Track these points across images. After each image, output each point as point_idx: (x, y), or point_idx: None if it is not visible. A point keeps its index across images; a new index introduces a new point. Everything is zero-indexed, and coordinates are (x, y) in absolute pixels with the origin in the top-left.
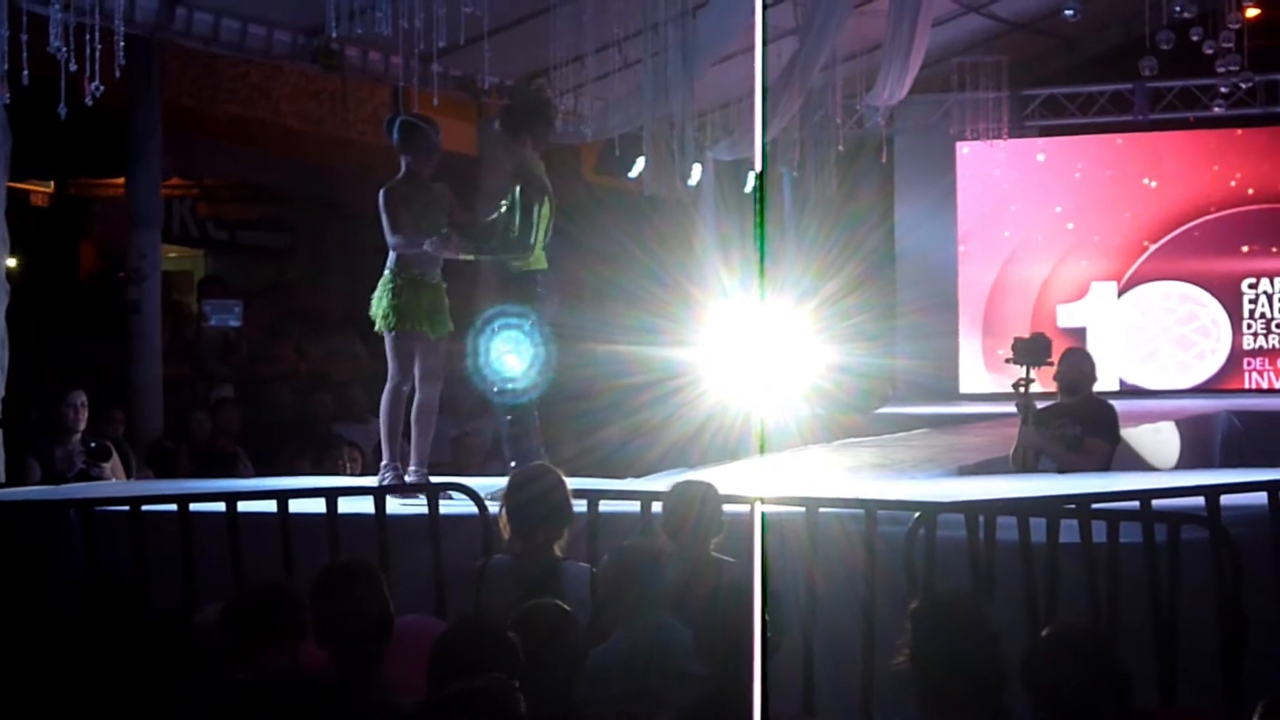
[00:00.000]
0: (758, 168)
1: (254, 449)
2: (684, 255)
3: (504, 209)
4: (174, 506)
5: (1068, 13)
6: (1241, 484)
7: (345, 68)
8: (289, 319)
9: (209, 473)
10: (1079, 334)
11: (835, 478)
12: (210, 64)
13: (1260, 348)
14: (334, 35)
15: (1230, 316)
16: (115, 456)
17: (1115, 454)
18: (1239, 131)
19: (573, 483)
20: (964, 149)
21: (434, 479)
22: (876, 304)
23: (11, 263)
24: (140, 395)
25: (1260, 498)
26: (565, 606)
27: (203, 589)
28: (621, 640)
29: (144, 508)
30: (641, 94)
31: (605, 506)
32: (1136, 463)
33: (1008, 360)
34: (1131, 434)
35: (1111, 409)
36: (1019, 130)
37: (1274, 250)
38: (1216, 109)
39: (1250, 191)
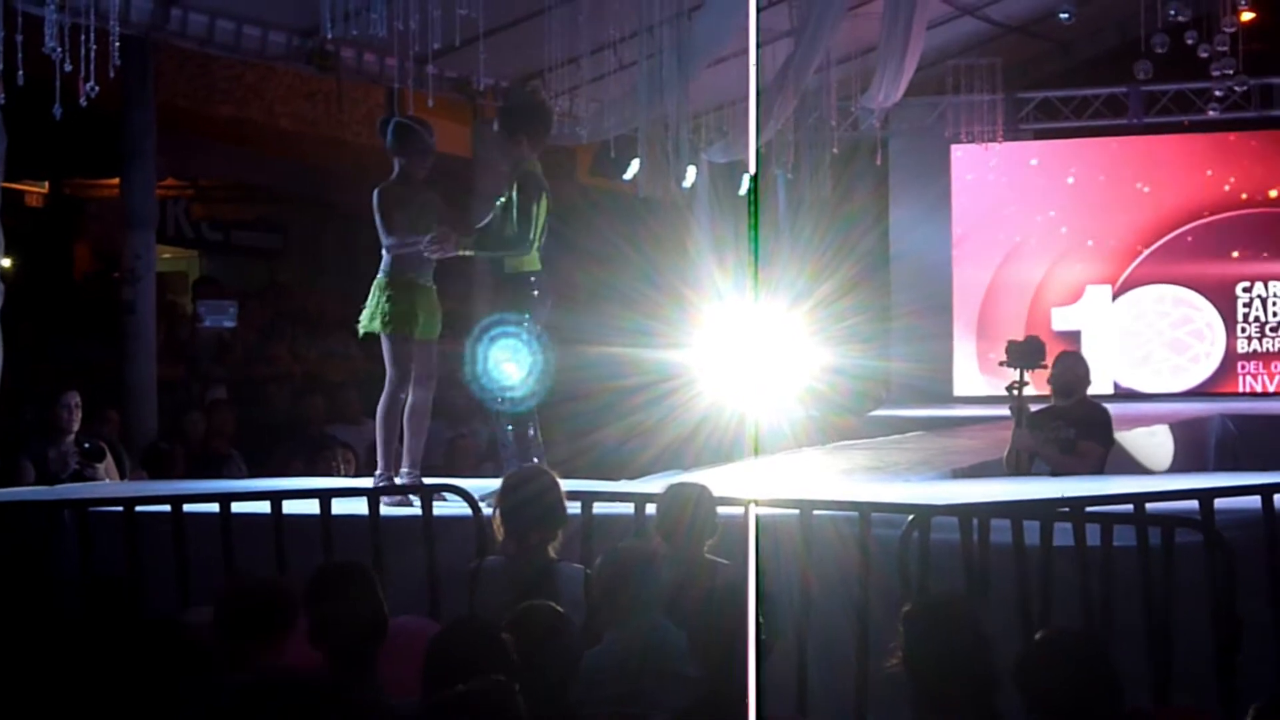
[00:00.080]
0: (752, 170)
1: (248, 450)
2: (678, 257)
3: (500, 208)
4: (168, 507)
5: (1062, 16)
6: (1235, 487)
7: (340, 69)
8: (283, 320)
9: (203, 474)
10: (1074, 337)
11: (829, 480)
12: (205, 65)
13: (1254, 351)
14: (329, 36)
15: (1224, 320)
16: (109, 457)
17: (1109, 457)
18: (1233, 135)
19: (567, 484)
20: (958, 152)
21: (428, 481)
22: (871, 306)
23: (6, 263)
24: (135, 396)
25: (1254, 501)
26: (559, 608)
27: (196, 590)
28: (616, 642)
29: (138, 508)
30: (636, 96)
31: (599, 508)
32: (1131, 466)
33: (1001, 363)
34: (1126, 437)
35: (1105, 412)
36: (1014, 133)
37: (1268, 254)
38: (1211, 113)
39: (1244, 195)
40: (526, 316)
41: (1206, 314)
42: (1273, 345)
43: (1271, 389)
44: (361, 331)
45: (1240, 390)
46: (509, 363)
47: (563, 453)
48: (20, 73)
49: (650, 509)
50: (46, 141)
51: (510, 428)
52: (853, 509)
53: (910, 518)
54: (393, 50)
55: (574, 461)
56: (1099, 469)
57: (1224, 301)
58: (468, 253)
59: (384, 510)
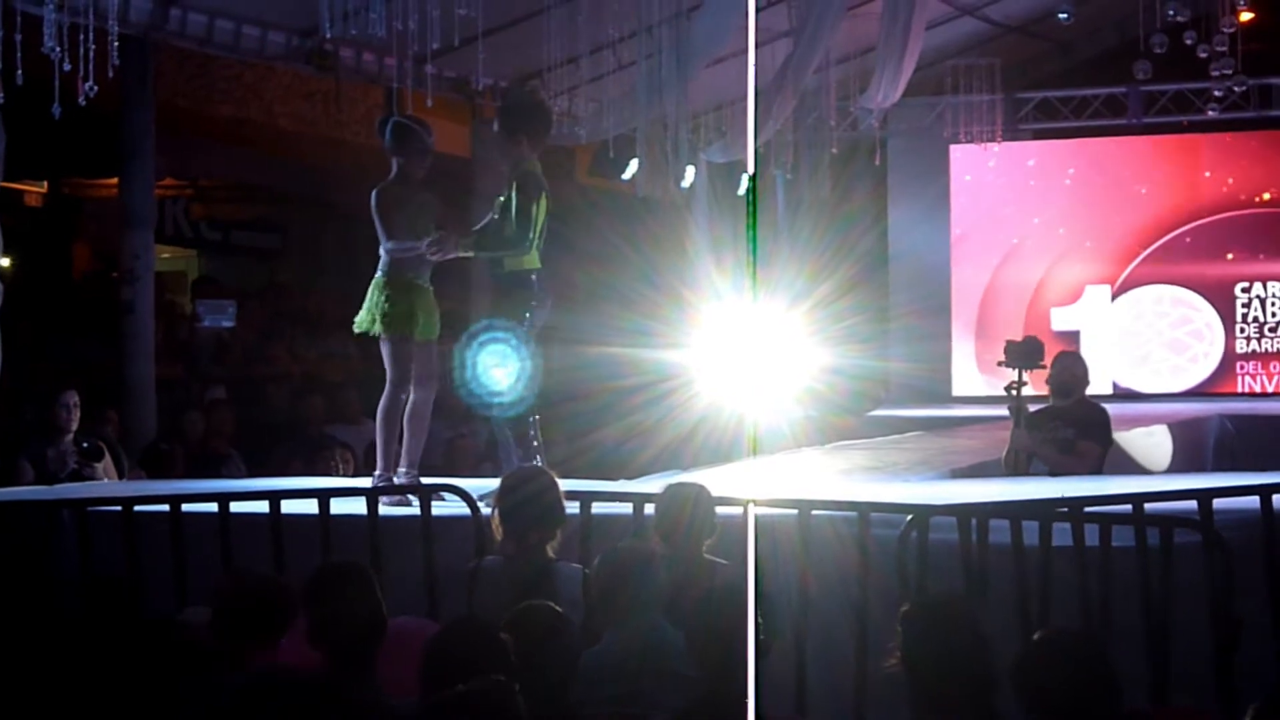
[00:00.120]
0: (751, 170)
1: (247, 450)
2: (677, 257)
3: (500, 207)
4: (166, 507)
5: (1062, 16)
6: (1234, 488)
7: (339, 69)
8: (282, 320)
9: (202, 473)
10: (1073, 337)
11: (828, 480)
12: (204, 64)
13: (1253, 351)
14: (328, 36)
15: (1223, 320)
16: (108, 457)
17: (1108, 457)
18: (1232, 136)
19: (565, 484)
20: (957, 152)
21: (426, 480)
22: (869, 306)
23: (5, 262)
24: (133, 396)
25: (1252, 501)
26: (558, 608)
27: (195, 589)
28: (614, 642)
29: (137, 508)
30: (635, 96)
31: (598, 508)
32: (1129, 466)
33: (1000, 363)
34: (1124, 437)
35: (1104, 412)
36: (1012, 133)
37: (1267, 254)
38: (1210, 113)
39: (1243, 196)
40: (525, 316)
41: (1205, 314)
42: (1271, 345)
43: (1270, 389)
44: (358, 330)
45: (1239, 390)
46: (498, 368)
47: (561, 453)
48: (19, 72)
49: (649, 509)
50: (45, 141)
51: (510, 429)
52: (851, 509)
53: (909, 518)
54: (392, 50)
55: (573, 461)
56: (1097, 469)
57: (1223, 302)
58: (467, 254)
59: (383, 510)
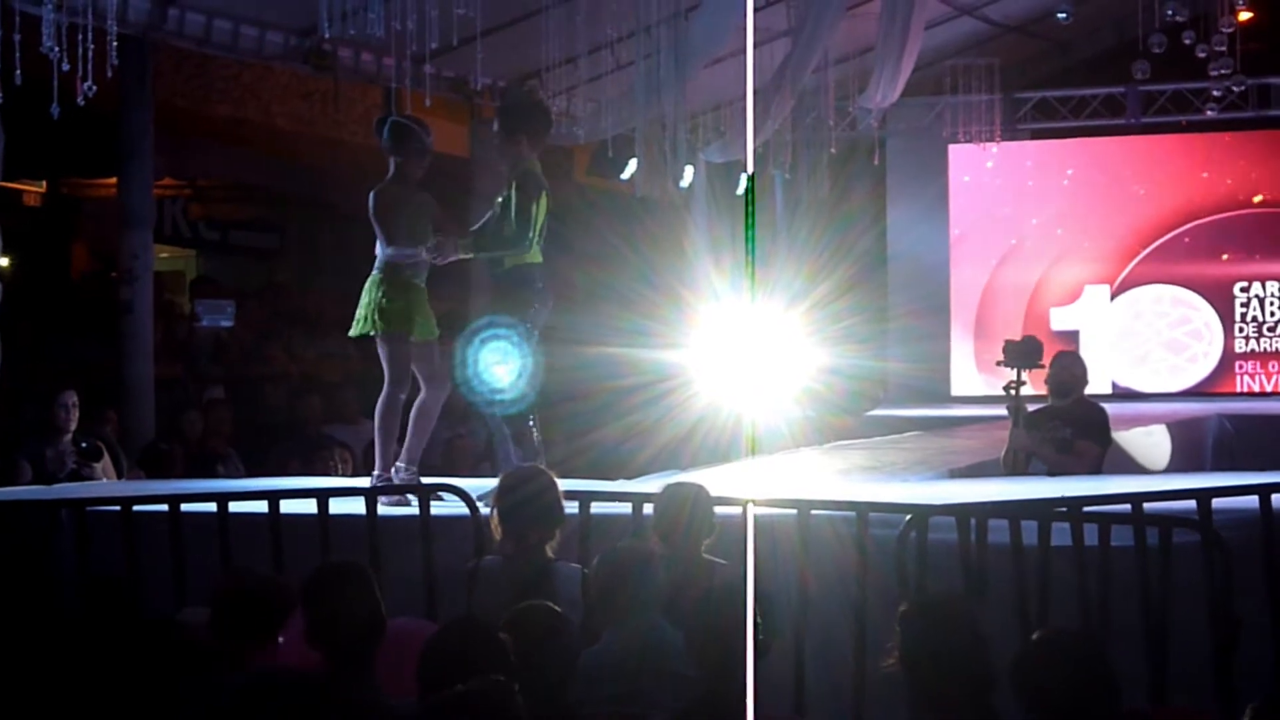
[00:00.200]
0: (749, 170)
1: (245, 449)
2: (675, 257)
3: (499, 207)
4: (165, 507)
5: (1060, 16)
6: (1233, 487)
7: (337, 69)
8: (281, 320)
9: (201, 473)
10: (1072, 337)
11: (826, 480)
12: (203, 64)
13: (1252, 351)
14: (326, 36)
15: (1222, 320)
16: (106, 457)
17: (1106, 457)
18: (1231, 135)
19: (564, 484)
20: (956, 152)
21: (425, 480)
22: (868, 306)
23: (3, 262)
24: (132, 395)
25: (1251, 501)
26: (557, 608)
27: (194, 589)
28: (613, 642)
29: (135, 508)
30: (634, 96)
31: (597, 508)
32: (1128, 465)
33: (999, 363)
34: (1123, 437)
35: (1102, 412)
36: (1011, 133)
37: (1266, 254)
38: (1209, 113)
39: (1242, 195)
40: (528, 312)
41: (1204, 314)
42: (1270, 345)
43: (1269, 389)
44: (356, 332)
45: (1238, 390)
46: (499, 365)
47: (560, 452)
48: (18, 72)
49: (648, 509)
50: (44, 141)
51: (509, 427)
52: (850, 509)
53: (908, 517)
54: (390, 50)
55: (572, 461)
56: (1096, 469)
57: (1222, 301)
58: (467, 255)
59: (381, 510)
